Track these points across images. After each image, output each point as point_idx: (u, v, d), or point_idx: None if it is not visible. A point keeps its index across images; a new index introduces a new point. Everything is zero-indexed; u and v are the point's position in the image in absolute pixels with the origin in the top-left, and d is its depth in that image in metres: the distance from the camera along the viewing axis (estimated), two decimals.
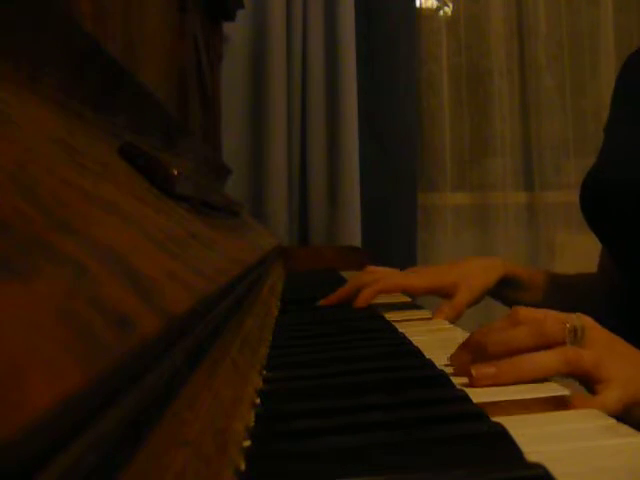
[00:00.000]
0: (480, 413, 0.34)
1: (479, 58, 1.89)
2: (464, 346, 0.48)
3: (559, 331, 0.45)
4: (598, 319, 0.48)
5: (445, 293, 0.78)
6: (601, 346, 0.45)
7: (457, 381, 0.42)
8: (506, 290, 0.85)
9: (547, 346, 0.45)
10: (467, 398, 0.37)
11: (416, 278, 0.80)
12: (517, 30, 1.90)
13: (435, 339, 0.54)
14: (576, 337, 0.45)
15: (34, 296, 0.15)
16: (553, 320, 0.46)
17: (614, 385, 0.43)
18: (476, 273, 0.80)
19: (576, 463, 0.29)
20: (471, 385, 0.42)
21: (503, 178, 1.87)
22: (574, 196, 1.97)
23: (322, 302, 0.81)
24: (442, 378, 0.42)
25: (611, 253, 0.79)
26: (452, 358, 0.48)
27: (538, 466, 0.26)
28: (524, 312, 0.48)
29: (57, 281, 0.17)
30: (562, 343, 0.45)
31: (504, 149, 1.87)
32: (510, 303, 0.84)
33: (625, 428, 0.33)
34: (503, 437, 0.30)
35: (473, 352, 0.47)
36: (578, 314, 0.47)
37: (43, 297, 0.15)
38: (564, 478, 0.26)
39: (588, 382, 0.44)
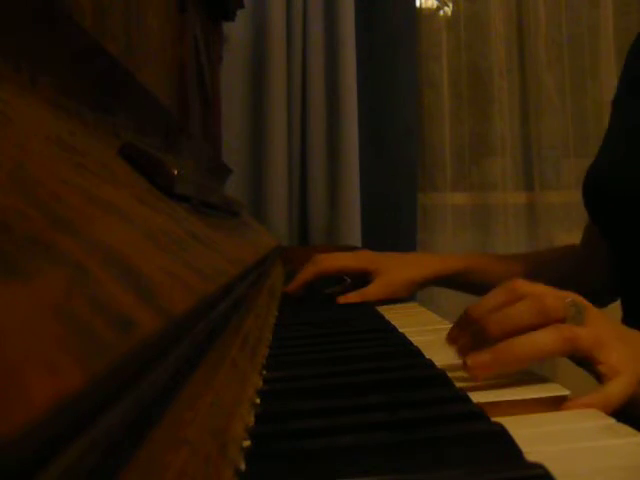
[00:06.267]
0: (480, 413, 0.34)
1: (479, 58, 1.89)
2: (461, 325, 0.46)
3: (560, 307, 0.42)
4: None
5: (369, 277, 0.86)
6: (598, 323, 0.43)
7: (455, 377, 0.42)
8: (464, 283, 0.90)
9: (548, 323, 0.42)
10: (467, 398, 0.37)
11: (350, 259, 0.90)
12: (517, 30, 1.90)
13: (435, 339, 0.54)
14: (578, 314, 0.42)
15: (34, 296, 0.15)
16: (553, 295, 0.43)
17: (620, 376, 0.40)
18: (404, 266, 0.87)
19: (576, 463, 0.29)
20: (468, 374, 0.41)
21: (503, 178, 1.87)
22: (574, 196, 1.96)
23: (288, 290, 0.88)
24: (442, 378, 0.42)
25: (611, 245, 0.79)
26: (449, 338, 0.46)
27: (538, 466, 0.26)
28: (522, 285, 0.45)
29: (57, 281, 0.17)
30: (562, 320, 0.42)
31: (504, 149, 1.87)
32: (475, 290, 0.89)
33: (625, 428, 0.33)
34: (503, 437, 0.30)
35: (472, 333, 0.44)
36: (572, 293, 0.44)
37: (43, 297, 0.15)
38: (564, 478, 0.26)
39: (587, 363, 0.42)
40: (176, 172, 0.47)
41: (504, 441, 0.29)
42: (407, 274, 0.86)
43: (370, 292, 0.84)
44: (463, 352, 0.44)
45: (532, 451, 0.29)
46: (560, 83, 1.92)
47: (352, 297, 0.83)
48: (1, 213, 0.17)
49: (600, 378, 0.41)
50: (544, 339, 0.41)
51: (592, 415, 0.37)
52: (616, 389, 0.40)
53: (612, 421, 0.35)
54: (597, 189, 0.77)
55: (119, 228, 0.27)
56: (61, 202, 0.23)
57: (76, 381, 0.13)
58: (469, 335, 0.45)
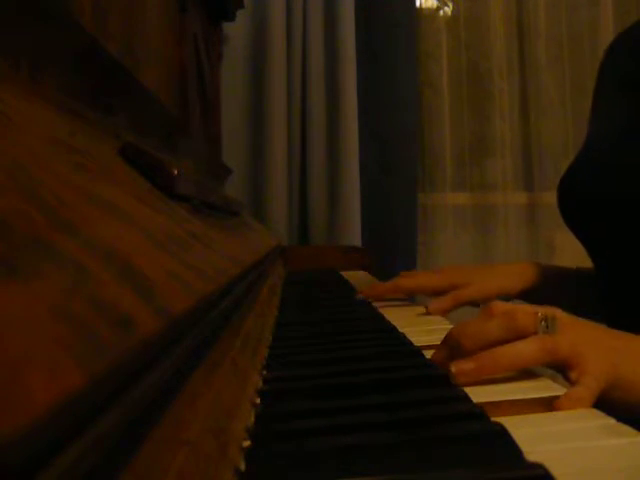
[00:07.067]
0: (480, 413, 0.34)
1: (479, 58, 1.89)
2: (442, 344, 0.49)
3: (530, 321, 0.45)
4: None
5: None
6: (572, 332, 0.45)
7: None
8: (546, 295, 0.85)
9: (519, 337, 0.44)
10: (467, 398, 0.37)
11: (436, 279, 0.84)
12: (517, 30, 1.90)
13: (436, 339, 0.54)
14: (547, 326, 0.45)
15: (34, 296, 0.15)
16: (523, 311, 0.46)
17: (590, 375, 0.42)
18: (494, 277, 0.82)
19: (576, 463, 0.29)
20: (452, 380, 0.42)
21: (503, 178, 1.87)
22: None
23: (365, 294, 0.86)
24: (442, 378, 0.42)
25: (591, 255, 0.79)
26: (433, 357, 0.49)
27: (538, 466, 0.26)
28: (496, 306, 0.48)
29: (57, 281, 0.17)
30: (534, 333, 0.45)
31: (504, 149, 1.87)
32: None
33: (625, 428, 0.33)
34: (503, 437, 0.30)
35: (450, 348, 0.47)
36: (547, 306, 0.47)
37: (43, 297, 0.15)
38: (564, 478, 0.26)
39: (562, 368, 0.44)
40: (176, 172, 0.47)
41: (504, 441, 0.29)
42: (498, 284, 0.81)
43: (463, 294, 0.79)
44: (442, 366, 0.46)
45: (532, 451, 0.29)
46: (560, 83, 1.92)
47: (445, 301, 0.78)
48: (1, 213, 0.17)
49: (571, 383, 0.42)
50: (525, 349, 0.43)
51: (592, 415, 0.37)
52: (591, 391, 0.41)
53: (612, 421, 0.35)
54: (575, 197, 0.76)
55: (119, 228, 0.27)
56: (61, 202, 0.23)
57: (76, 381, 0.13)
58: (446, 350, 0.48)
